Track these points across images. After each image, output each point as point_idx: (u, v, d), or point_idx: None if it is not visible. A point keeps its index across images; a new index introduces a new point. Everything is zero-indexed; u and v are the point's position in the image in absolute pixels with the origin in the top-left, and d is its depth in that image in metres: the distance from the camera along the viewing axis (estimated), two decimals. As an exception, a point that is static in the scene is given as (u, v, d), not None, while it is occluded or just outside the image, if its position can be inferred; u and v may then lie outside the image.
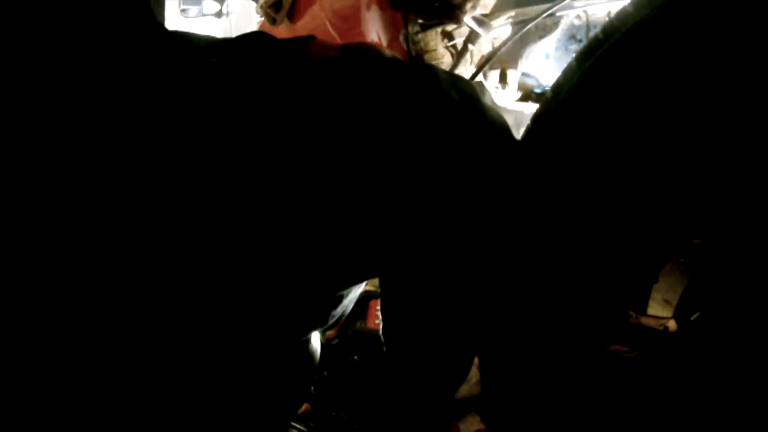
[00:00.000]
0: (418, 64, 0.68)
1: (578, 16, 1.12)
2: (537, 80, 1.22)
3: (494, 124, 0.67)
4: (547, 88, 1.17)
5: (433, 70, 0.66)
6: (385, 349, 0.84)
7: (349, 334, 1.23)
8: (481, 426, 1.00)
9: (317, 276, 0.61)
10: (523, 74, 1.22)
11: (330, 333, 1.44)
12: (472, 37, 1.11)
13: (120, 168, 0.51)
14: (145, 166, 0.52)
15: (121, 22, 0.54)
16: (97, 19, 0.52)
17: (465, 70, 1.26)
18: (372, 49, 0.76)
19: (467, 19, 0.96)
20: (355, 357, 1.17)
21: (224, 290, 0.56)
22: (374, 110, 0.59)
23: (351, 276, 0.66)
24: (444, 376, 0.79)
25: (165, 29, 0.59)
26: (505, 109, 1.30)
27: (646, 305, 0.67)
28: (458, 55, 1.14)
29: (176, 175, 0.53)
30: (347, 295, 0.74)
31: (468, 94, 0.66)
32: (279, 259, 0.57)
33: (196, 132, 0.54)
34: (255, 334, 0.63)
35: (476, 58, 1.26)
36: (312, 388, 1.16)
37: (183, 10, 2.72)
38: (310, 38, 0.71)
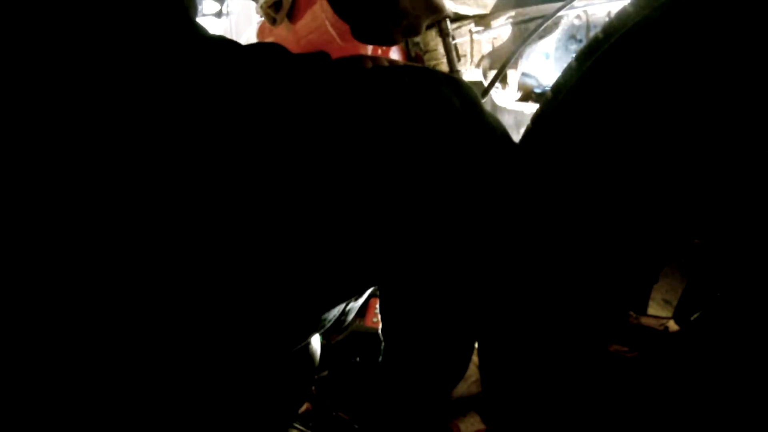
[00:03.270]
0: (420, 68, 0.68)
1: (578, 16, 1.12)
2: (537, 80, 1.22)
3: (494, 128, 0.67)
4: (547, 88, 1.17)
5: (435, 75, 0.66)
6: (383, 346, 0.84)
7: (347, 332, 1.23)
8: (481, 426, 1.00)
9: (315, 278, 0.61)
10: (523, 74, 1.22)
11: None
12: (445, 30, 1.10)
13: (121, 166, 0.51)
14: (147, 165, 0.52)
15: (144, 22, 0.54)
16: (112, 17, 0.52)
17: (465, 70, 1.27)
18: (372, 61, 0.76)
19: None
20: (357, 358, 1.17)
21: (224, 292, 0.56)
22: (376, 114, 0.60)
23: (349, 280, 0.66)
24: (442, 372, 0.79)
25: (191, 27, 0.58)
26: (505, 109, 1.30)
27: (646, 305, 0.67)
28: (449, 51, 1.13)
29: (177, 175, 0.53)
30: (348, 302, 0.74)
31: (469, 99, 0.66)
32: (279, 262, 0.57)
33: (198, 132, 0.54)
34: (255, 338, 0.63)
35: (476, 58, 1.26)
36: (312, 388, 1.16)
37: (183, 10, 2.71)
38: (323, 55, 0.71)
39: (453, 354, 0.78)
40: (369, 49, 1.24)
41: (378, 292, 1.22)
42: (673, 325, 0.65)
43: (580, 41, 1.13)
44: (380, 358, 0.86)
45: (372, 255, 0.63)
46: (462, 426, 1.01)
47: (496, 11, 1.21)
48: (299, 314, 0.66)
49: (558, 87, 0.67)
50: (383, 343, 0.85)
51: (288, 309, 0.63)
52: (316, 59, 0.68)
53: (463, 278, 0.69)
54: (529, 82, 1.23)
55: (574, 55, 0.65)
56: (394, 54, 1.26)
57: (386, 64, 0.76)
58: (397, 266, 0.66)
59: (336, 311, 0.74)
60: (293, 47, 1.02)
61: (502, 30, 1.21)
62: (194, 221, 0.53)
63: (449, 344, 0.76)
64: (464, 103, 0.65)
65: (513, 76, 1.21)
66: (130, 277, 0.52)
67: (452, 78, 0.69)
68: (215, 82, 0.56)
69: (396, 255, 0.64)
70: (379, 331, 0.89)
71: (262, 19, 1.56)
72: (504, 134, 0.70)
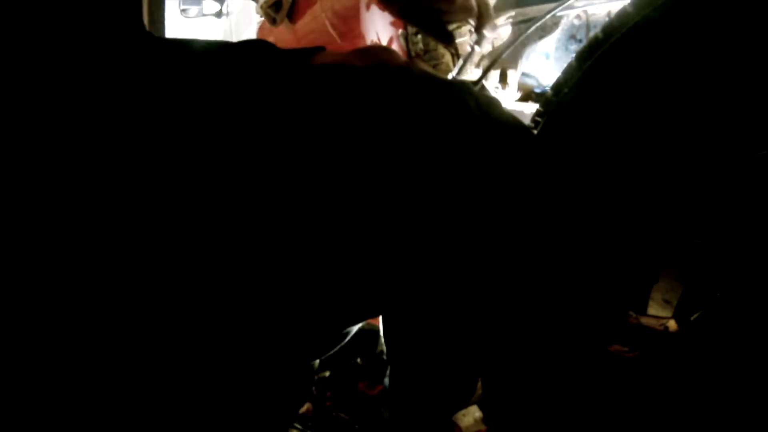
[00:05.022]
0: (430, 75, 0.67)
1: (578, 16, 1.12)
2: (537, 80, 1.22)
3: (512, 129, 0.66)
4: (547, 88, 1.17)
5: (444, 79, 0.66)
6: (389, 371, 0.83)
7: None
8: (481, 426, 1.00)
9: (320, 289, 0.61)
10: (523, 74, 1.22)
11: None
12: (479, 40, 1.12)
13: (119, 171, 0.51)
14: (144, 170, 0.52)
15: (112, 29, 0.54)
16: (92, 25, 0.52)
17: (468, 71, 1.26)
18: (383, 55, 0.74)
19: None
20: (358, 360, 1.17)
21: (225, 297, 0.56)
22: (382, 119, 0.59)
23: (355, 297, 0.65)
24: (447, 394, 0.78)
25: (151, 36, 0.59)
26: (505, 109, 1.29)
27: (646, 305, 0.67)
28: (465, 57, 1.14)
29: (176, 179, 0.53)
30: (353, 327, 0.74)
31: (483, 102, 0.65)
32: (280, 268, 0.57)
33: (195, 136, 0.54)
34: (259, 345, 0.63)
35: (476, 58, 1.26)
36: (313, 388, 1.16)
37: (183, 10, 2.72)
38: (320, 49, 0.70)
39: (460, 377, 0.77)
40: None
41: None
42: (673, 325, 0.65)
43: (580, 41, 1.13)
44: (381, 361, 0.86)
45: (381, 265, 0.62)
46: (462, 426, 1.01)
47: (496, 11, 1.21)
48: (305, 326, 0.66)
49: (558, 87, 0.67)
50: (388, 366, 0.85)
51: (293, 320, 0.62)
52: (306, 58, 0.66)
53: (464, 278, 0.69)
54: (529, 82, 1.23)
55: (574, 55, 0.65)
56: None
57: (399, 61, 0.75)
58: (402, 274, 0.66)
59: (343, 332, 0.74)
60: (293, 47, 1.02)
61: (502, 30, 1.21)
62: (193, 227, 0.53)
63: (455, 367, 0.76)
64: (479, 106, 0.64)
65: (513, 76, 1.21)
66: (131, 281, 0.52)
67: (462, 81, 0.68)
68: (210, 81, 0.56)
69: (401, 260, 0.63)
70: (379, 328, 0.89)
71: (262, 19, 1.56)
72: (521, 129, 0.68)
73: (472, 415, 1.01)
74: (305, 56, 0.65)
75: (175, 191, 0.52)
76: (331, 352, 0.75)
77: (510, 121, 0.65)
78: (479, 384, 0.90)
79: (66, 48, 0.49)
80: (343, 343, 0.75)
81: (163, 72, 0.54)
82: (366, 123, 0.58)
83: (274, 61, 0.61)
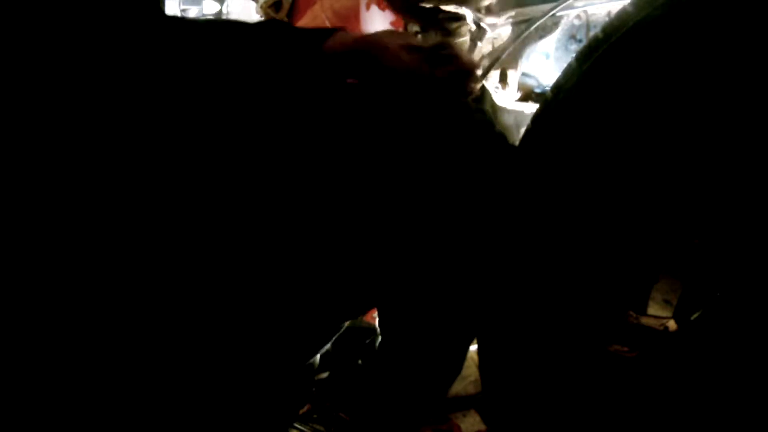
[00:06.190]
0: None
1: (578, 16, 1.12)
2: (537, 80, 1.22)
3: (495, 135, 0.67)
4: (547, 88, 1.17)
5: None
6: (380, 340, 0.84)
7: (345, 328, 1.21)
8: (481, 426, 1.00)
9: (319, 286, 0.61)
10: (523, 74, 1.22)
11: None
12: (480, 35, 1.12)
13: (120, 165, 0.51)
14: (146, 164, 0.52)
15: (126, 15, 0.54)
16: (100, 12, 0.52)
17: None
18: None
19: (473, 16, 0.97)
20: (359, 361, 1.17)
21: (225, 293, 0.56)
22: (376, 120, 0.59)
23: (352, 287, 0.65)
24: (438, 368, 0.78)
25: (170, 19, 0.58)
26: (505, 109, 1.30)
27: (646, 305, 0.67)
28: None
29: (178, 173, 0.52)
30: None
31: (468, 110, 0.66)
32: (278, 263, 0.57)
33: (199, 130, 0.53)
34: (259, 343, 0.63)
35: (476, 58, 1.26)
36: (313, 388, 1.15)
37: (183, 10, 2.73)
38: (335, 30, 0.69)
39: (449, 351, 0.77)
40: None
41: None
42: (673, 325, 0.65)
43: (580, 41, 1.13)
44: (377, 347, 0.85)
45: (374, 259, 0.62)
46: (462, 426, 1.01)
47: (497, 11, 1.21)
48: (303, 324, 0.66)
49: (558, 87, 0.67)
50: (380, 337, 0.85)
51: (291, 317, 0.62)
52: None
53: (463, 278, 0.69)
54: (529, 82, 1.23)
55: (574, 55, 0.65)
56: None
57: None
58: (395, 263, 0.66)
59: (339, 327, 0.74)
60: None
61: (502, 30, 1.21)
62: (193, 223, 0.53)
63: (446, 343, 0.76)
64: (464, 113, 0.65)
65: (513, 76, 1.21)
66: (132, 278, 0.52)
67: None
68: (214, 75, 0.55)
69: (394, 252, 0.64)
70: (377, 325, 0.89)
71: (262, 18, 1.56)
72: (502, 137, 0.69)
73: (472, 415, 1.01)
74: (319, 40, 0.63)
75: (175, 181, 0.52)
76: (327, 346, 0.75)
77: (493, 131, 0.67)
78: (476, 377, 0.90)
79: (69, 37, 0.49)
80: (336, 337, 0.75)
81: (169, 62, 0.54)
82: (358, 126, 0.59)
83: (288, 48, 0.60)
